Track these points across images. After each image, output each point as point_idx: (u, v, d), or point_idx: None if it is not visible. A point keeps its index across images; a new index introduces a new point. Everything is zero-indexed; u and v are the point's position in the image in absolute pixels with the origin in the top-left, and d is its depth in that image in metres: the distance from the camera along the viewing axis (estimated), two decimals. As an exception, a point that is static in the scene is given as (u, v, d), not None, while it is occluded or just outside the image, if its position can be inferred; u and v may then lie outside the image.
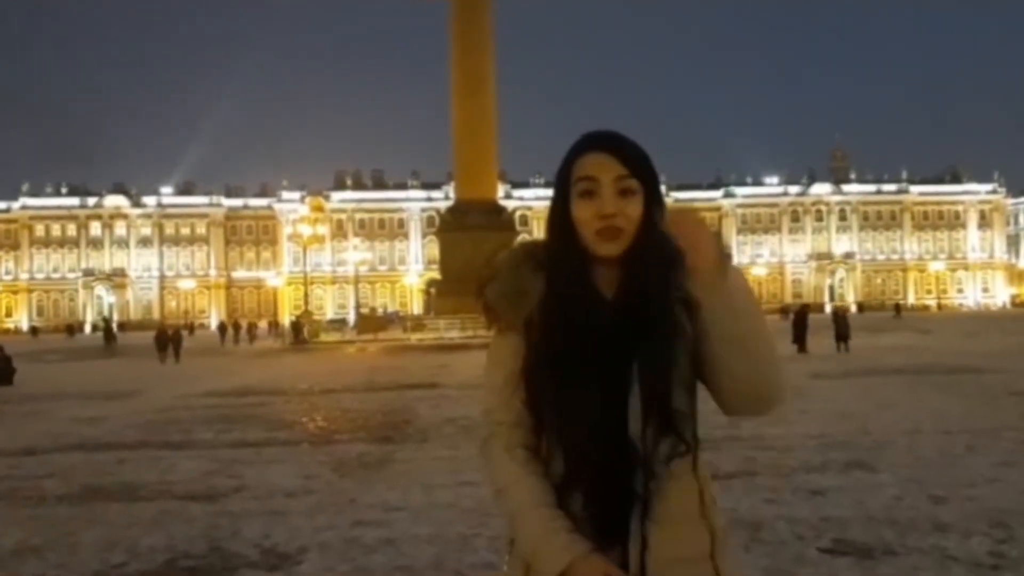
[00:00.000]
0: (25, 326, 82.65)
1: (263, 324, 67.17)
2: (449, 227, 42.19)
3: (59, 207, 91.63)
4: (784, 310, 70.26)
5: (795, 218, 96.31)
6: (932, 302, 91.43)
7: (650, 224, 1.48)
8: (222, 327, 51.66)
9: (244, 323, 55.41)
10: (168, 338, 28.76)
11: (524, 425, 1.50)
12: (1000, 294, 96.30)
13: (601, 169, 1.46)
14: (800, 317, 23.96)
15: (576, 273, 1.48)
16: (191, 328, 65.79)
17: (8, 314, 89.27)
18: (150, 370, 24.10)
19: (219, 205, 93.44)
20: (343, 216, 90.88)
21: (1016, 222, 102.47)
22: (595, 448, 1.43)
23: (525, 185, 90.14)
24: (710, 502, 1.49)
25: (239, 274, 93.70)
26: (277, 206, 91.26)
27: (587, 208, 1.46)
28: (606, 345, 1.45)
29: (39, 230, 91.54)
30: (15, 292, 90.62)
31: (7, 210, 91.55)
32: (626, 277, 1.48)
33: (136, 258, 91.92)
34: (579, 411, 1.43)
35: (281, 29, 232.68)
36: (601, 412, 1.43)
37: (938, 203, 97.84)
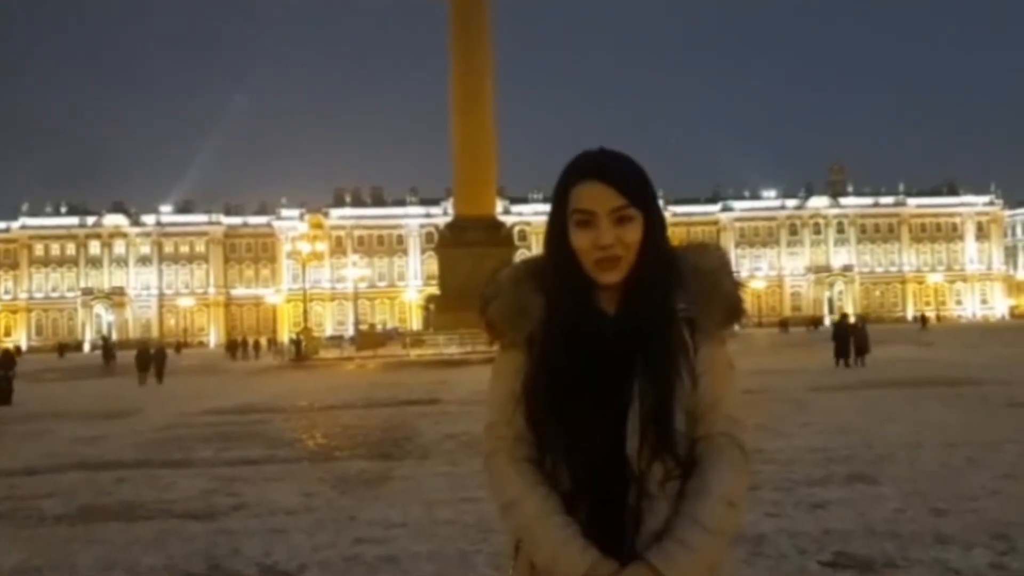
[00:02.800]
0: (24, 345, 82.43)
1: (262, 341, 67.21)
2: (448, 243, 42.25)
3: (58, 226, 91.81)
4: (783, 323, 70.34)
5: (793, 231, 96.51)
6: (931, 314, 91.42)
7: (651, 246, 1.49)
8: (232, 344, 54.37)
9: (251, 340, 58.01)
10: (150, 357, 27.73)
11: (527, 439, 1.51)
12: (999, 305, 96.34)
13: (597, 202, 1.45)
14: (841, 329, 23.49)
15: (577, 290, 1.49)
16: (178, 347, 65.46)
17: (7, 333, 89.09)
18: (149, 389, 24.06)
19: (218, 223, 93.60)
20: (342, 233, 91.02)
21: (1014, 233, 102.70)
22: (594, 466, 1.44)
23: (524, 200, 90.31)
24: None
25: (238, 292, 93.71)
26: (276, 223, 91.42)
27: (584, 238, 1.46)
28: (608, 362, 1.46)
29: (38, 249, 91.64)
30: (14, 311, 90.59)
31: (6, 229, 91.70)
32: (628, 295, 1.49)
33: (135, 276, 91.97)
34: (580, 429, 1.44)
35: (280, 46, 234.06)
36: (601, 430, 1.43)
37: (936, 215, 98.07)
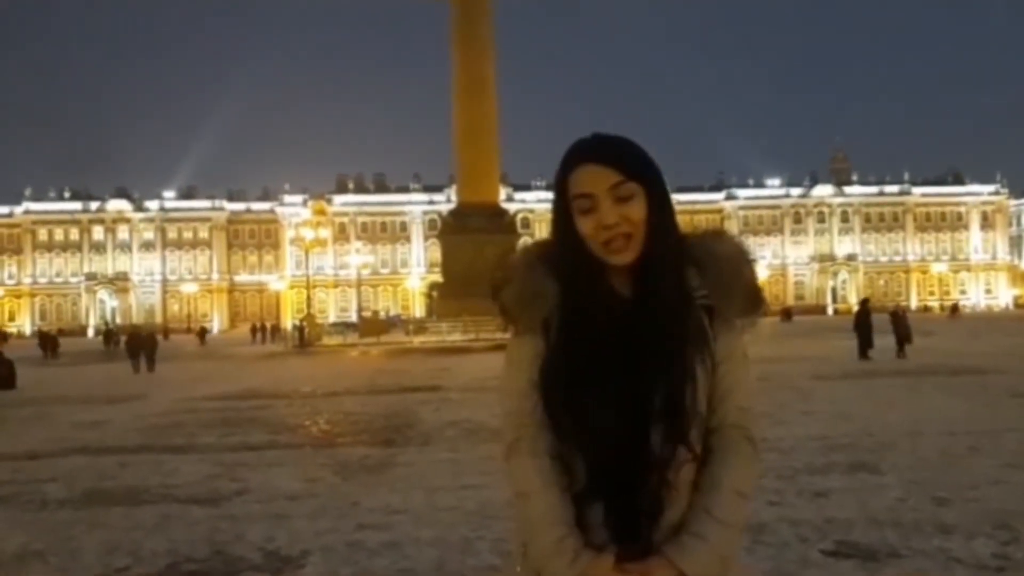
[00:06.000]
0: (28, 331, 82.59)
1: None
2: (451, 230, 42.21)
3: (62, 211, 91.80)
4: (786, 312, 69.99)
5: (797, 220, 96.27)
6: (935, 303, 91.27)
7: (659, 222, 1.46)
8: (253, 328, 57.97)
9: (269, 326, 60.35)
10: (142, 343, 26.41)
11: (549, 429, 1.48)
12: (1003, 295, 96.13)
13: (594, 183, 1.44)
14: (863, 316, 20.79)
15: (591, 274, 1.47)
16: (166, 333, 65.54)
17: (11, 318, 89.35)
18: (143, 376, 24.05)
19: (221, 209, 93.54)
20: (345, 219, 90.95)
21: (1019, 223, 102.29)
22: (615, 454, 1.41)
23: (527, 188, 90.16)
24: None
25: (241, 278, 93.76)
26: (279, 210, 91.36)
27: (589, 223, 1.44)
28: (626, 346, 1.43)
29: (42, 234, 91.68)
30: (18, 296, 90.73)
31: (10, 215, 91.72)
32: (642, 280, 1.46)
33: (139, 262, 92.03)
34: (598, 416, 1.42)
35: (283, 33, 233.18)
36: (620, 417, 1.41)
37: (940, 204, 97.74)
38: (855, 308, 24.45)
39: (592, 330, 1.44)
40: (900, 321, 21.01)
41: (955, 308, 69.55)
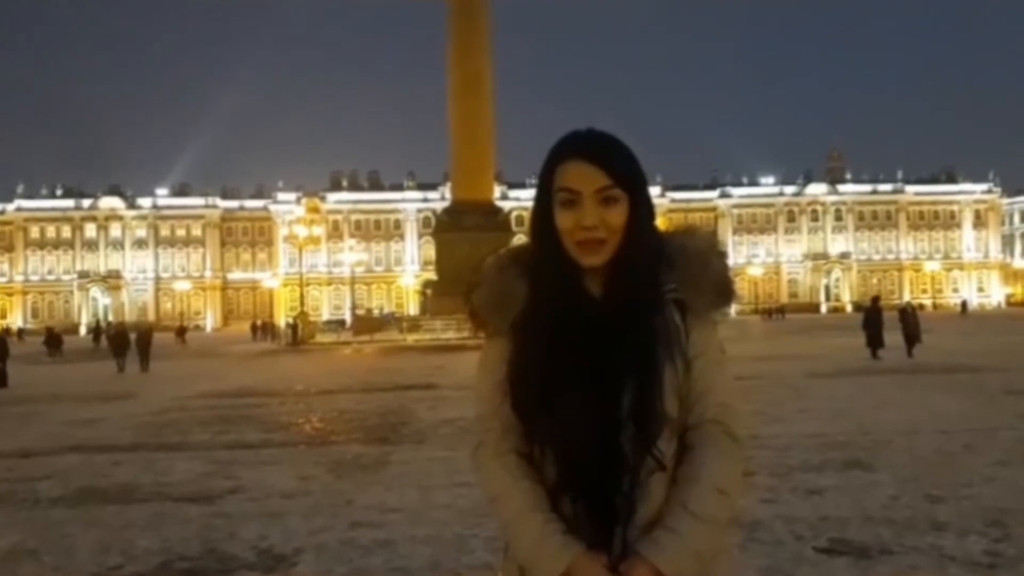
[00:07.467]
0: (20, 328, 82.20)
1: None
2: (445, 228, 42.20)
3: (54, 209, 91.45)
4: (772, 311, 69.72)
5: (791, 218, 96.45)
6: (928, 301, 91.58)
7: (637, 228, 1.45)
8: (253, 326, 58.47)
9: (269, 324, 60.38)
10: (127, 341, 25.16)
11: (514, 430, 1.47)
12: (995, 293, 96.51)
13: (582, 181, 1.42)
14: (874, 312, 19.95)
15: (563, 274, 1.45)
16: (150, 331, 64.12)
17: (3, 316, 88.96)
18: (131, 376, 23.79)
19: (214, 206, 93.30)
20: (339, 217, 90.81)
21: (1011, 222, 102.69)
22: (585, 452, 1.39)
23: (521, 186, 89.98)
24: None
25: (235, 275, 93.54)
26: (273, 207, 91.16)
27: (568, 218, 1.43)
28: (595, 346, 1.41)
29: (34, 232, 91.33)
30: (10, 294, 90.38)
31: (2, 212, 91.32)
32: (614, 278, 1.45)
33: (131, 260, 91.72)
34: (568, 416, 1.40)
35: (277, 31, 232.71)
36: (590, 415, 1.39)
37: (933, 203, 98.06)
38: (860, 305, 23.98)
39: (560, 330, 1.43)
40: (910, 320, 20.46)
41: (964, 306, 70.39)
